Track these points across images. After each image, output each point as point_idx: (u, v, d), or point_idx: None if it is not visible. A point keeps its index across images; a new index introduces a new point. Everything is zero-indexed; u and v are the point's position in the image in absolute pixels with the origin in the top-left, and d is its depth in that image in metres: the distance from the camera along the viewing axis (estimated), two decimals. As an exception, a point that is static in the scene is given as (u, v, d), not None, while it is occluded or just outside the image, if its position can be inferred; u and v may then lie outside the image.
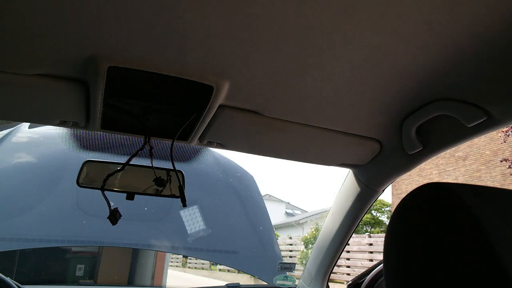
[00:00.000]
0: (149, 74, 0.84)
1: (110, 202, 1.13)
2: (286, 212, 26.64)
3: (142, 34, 0.71)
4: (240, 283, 2.35)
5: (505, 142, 8.14)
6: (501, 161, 8.78)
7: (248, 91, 0.92)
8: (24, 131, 3.40)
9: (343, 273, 9.82)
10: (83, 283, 4.61)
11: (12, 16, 0.67)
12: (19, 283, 1.57)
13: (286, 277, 2.05)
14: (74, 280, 5.14)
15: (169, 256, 7.05)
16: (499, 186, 1.16)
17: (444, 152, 1.52)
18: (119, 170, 1.16)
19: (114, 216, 1.12)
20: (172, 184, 1.21)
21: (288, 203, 28.31)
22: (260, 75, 0.85)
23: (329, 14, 0.66)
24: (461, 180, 11.31)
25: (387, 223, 0.59)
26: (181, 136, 1.12)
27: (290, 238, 13.38)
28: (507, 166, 8.50)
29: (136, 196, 1.23)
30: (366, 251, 9.54)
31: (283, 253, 12.29)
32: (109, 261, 5.40)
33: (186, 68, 0.83)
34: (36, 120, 1.14)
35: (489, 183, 10.29)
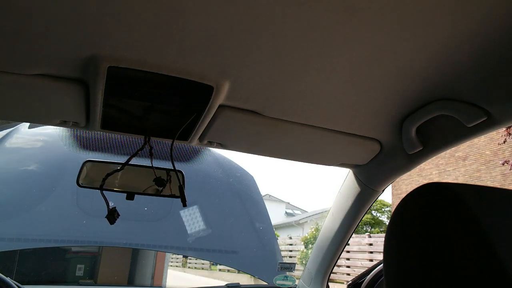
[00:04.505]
0: (149, 74, 0.84)
1: (110, 202, 1.13)
2: (286, 212, 26.62)
3: (142, 34, 0.71)
4: (240, 283, 2.35)
5: (504, 143, 8.12)
6: (502, 164, 8.73)
7: (248, 91, 0.92)
8: (24, 131, 3.40)
9: (343, 273, 9.82)
10: (83, 283, 4.61)
11: (12, 16, 0.67)
12: (19, 283, 1.57)
13: (286, 277, 2.05)
14: (74, 280, 5.14)
15: (169, 256, 7.05)
16: (499, 186, 1.16)
17: (444, 152, 1.52)
18: (118, 170, 1.16)
19: (112, 215, 1.11)
20: (172, 184, 1.21)
21: (288, 203, 28.30)
22: (260, 75, 0.85)
23: (329, 14, 0.66)
24: (461, 180, 11.31)
25: (387, 223, 0.59)
26: (181, 136, 1.12)
27: (290, 238, 13.37)
28: (510, 169, 8.46)
29: (136, 196, 1.23)
30: (366, 251, 9.54)
31: (283, 253, 12.28)
32: (109, 261, 5.40)
33: (186, 68, 0.83)
34: (36, 120, 1.14)
35: (489, 183, 10.29)
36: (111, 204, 1.13)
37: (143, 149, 1.13)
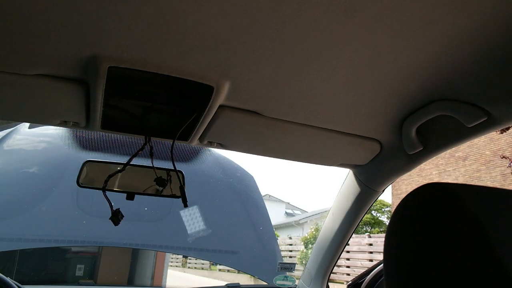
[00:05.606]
0: (149, 74, 0.84)
1: (112, 203, 1.13)
2: (286, 212, 26.61)
3: (143, 34, 0.71)
4: (240, 283, 2.35)
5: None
6: (502, 157, 8.73)
7: (248, 91, 0.92)
8: (24, 131, 3.40)
9: (343, 273, 9.82)
10: (83, 283, 4.62)
11: (12, 16, 0.67)
12: (19, 283, 1.57)
13: (286, 277, 2.05)
14: (74, 280, 5.14)
15: (169, 256, 7.05)
16: (499, 186, 1.16)
17: (444, 152, 1.52)
18: (120, 171, 1.16)
19: (116, 216, 1.11)
20: (172, 184, 1.21)
21: (288, 203, 28.30)
22: (260, 75, 0.85)
23: (329, 14, 0.66)
24: (461, 180, 11.31)
25: (387, 223, 0.59)
26: (181, 136, 1.12)
27: (290, 238, 13.37)
28: (507, 165, 8.48)
29: (136, 196, 1.23)
30: (366, 251, 9.54)
31: (283, 253, 12.28)
32: (109, 261, 5.40)
33: (187, 69, 0.83)
34: (37, 120, 1.14)
35: (489, 183, 10.30)
36: (112, 205, 1.13)
37: (144, 149, 1.13)
